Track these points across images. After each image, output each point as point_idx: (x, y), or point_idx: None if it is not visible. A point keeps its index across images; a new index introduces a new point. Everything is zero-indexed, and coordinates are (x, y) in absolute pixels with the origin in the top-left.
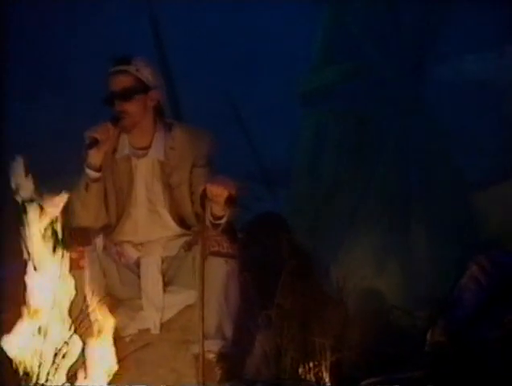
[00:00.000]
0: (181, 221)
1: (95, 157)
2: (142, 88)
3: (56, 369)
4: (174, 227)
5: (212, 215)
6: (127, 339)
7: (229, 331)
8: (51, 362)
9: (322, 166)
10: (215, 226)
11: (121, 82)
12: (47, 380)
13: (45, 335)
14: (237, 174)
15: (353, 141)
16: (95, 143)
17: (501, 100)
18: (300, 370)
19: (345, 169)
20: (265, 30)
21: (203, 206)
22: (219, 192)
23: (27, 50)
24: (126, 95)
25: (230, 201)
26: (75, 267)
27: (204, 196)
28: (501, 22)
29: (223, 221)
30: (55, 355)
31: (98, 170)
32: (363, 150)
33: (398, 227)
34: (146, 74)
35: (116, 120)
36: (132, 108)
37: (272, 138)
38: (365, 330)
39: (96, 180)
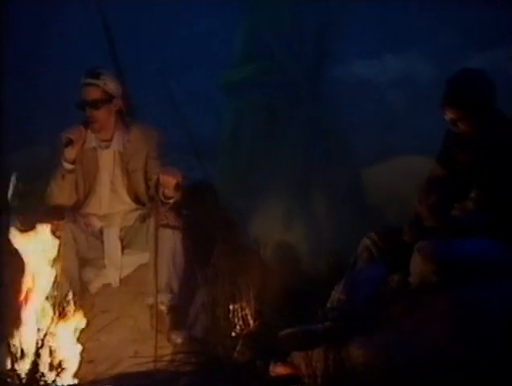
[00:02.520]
0: (136, 199)
1: (70, 153)
2: (108, 98)
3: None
4: (130, 203)
5: (164, 195)
6: (93, 292)
7: (176, 287)
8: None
9: (240, 145)
10: (165, 204)
11: (92, 93)
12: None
13: None
14: (173, 149)
15: (265, 125)
16: (70, 142)
17: (383, 96)
18: (231, 316)
19: (259, 147)
20: (196, 35)
21: (157, 190)
22: (170, 180)
23: None
24: (95, 105)
25: (177, 186)
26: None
27: (157, 182)
28: (384, 34)
29: (172, 201)
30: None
31: (72, 162)
32: (273, 133)
33: (302, 193)
34: (112, 86)
35: (87, 123)
36: (100, 114)
37: (201, 121)
38: (280, 279)
39: (71, 171)
